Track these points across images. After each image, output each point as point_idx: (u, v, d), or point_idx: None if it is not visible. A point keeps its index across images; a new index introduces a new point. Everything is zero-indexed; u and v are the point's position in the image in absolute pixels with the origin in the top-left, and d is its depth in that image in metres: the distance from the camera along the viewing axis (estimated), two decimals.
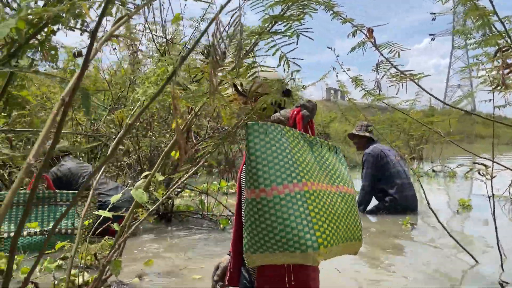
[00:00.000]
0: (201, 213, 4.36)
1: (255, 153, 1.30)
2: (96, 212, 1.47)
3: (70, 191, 3.45)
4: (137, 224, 1.43)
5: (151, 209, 1.47)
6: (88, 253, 2.78)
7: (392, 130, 8.83)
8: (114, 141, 1.09)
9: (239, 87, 1.62)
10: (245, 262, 1.40)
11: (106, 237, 3.06)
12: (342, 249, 1.43)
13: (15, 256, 2.78)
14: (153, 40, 3.66)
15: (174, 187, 1.54)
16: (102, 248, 2.96)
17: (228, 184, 6.54)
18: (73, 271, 2.51)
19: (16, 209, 3.21)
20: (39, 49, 0.96)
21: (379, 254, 3.29)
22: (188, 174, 1.57)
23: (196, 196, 4.79)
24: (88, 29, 1.13)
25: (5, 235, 3.08)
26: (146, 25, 3.67)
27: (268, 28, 1.52)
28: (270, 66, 1.76)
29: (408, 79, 2.44)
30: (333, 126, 14.79)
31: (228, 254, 1.93)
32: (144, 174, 1.53)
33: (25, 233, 3.15)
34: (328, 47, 2.84)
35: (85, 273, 2.42)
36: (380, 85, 2.41)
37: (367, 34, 2.27)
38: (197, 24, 3.53)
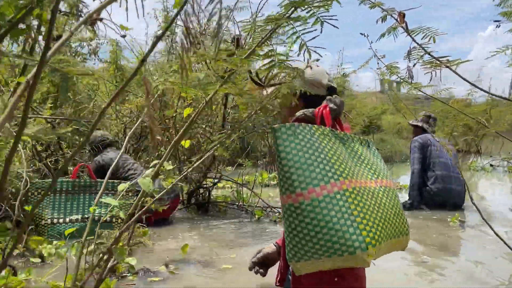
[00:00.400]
0: (237, 203, 4.39)
1: (286, 157, 1.24)
2: (103, 200, 1.49)
3: (110, 180, 3.58)
4: (140, 212, 1.45)
5: (156, 197, 1.48)
6: (118, 239, 2.88)
7: (448, 121, 8.35)
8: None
9: (254, 77, 1.59)
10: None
11: (138, 224, 3.16)
12: (390, 246, 1.36)
13: (56, 242, 2.95)
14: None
15: (181, 176, 1.54)
16: (135, 235, 3.06)
17: (270, 176, 6.53)
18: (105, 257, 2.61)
19: (59, 196, 3.38)
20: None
21: (423, 251, 3.13)
22: (194, 164, 1.56)
23: (236, 187, 4.81)
24: (82, 14, 1.14)
25: (49, 221, 3.26)
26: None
27: (288, 15, 1.46)
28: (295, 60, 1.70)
29: (443, 66, 2.28)
30: (385, 118, 14.31)
31: (274, 244, 1.94)
32: (152, 163, 1.54)
33: (67, 219, 3.32)
34: (362, 34, 2.71)
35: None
36: (412, 74, 2.28)
37: (398, 19, 2.15)
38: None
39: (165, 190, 1.66)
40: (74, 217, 3.35)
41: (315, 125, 1.35)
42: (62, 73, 0.85)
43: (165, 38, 4.57)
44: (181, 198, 4.39)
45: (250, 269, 1.92)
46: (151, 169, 1.48)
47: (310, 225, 1.19)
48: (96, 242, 2.96)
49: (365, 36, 2.88)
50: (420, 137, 4.93)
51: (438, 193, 4.67)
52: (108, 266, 1.41)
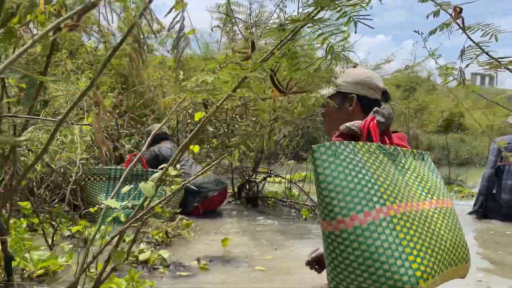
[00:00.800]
0: (285, 200, 4.32)
1: (325, 180, 1.12)
2: (104, 201, 1.51)
3: (159, 171, 3.70)
4: (142, 214, 1.44)
5: (157, 202, 1.47)
6: (162, 230, 2.97)
7: None
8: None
9: (277, 83, 1.51)
10: None
11: (180, 216, 3.23)
12: (446, 276, 1.22)
13: (104, 227, 3.12)
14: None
15: (192, 179, 1.52)
16: (178, 227, 3.13)
17: None
18: (142, 246, 2.70)
19: (113, 183, 3.57)
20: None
21: (481, 268, 2.84)
22: (206, 168, 1.52)
23: (289, 183, 4.74)
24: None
25: (102, 206, 3.46)
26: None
27: (314, 14, 1.36)
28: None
29: (504, 68, 2.01)
30: (470, 116, 13.22)
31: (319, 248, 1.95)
32: (160, 166, 1.53)
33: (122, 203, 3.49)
34: (415, 31, 2.48)
35: (149, 251, 2.58)
36: (464, 76, 2.03)
37: (453, 14, 1.93)
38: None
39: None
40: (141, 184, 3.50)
41: (359, 142, 1.20)
42: (29, 79, 0.85)
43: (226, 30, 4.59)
44: (231, 191, 4.43)
45: (307, 265, 2.00)
46: (158, 173, 1.47)
47: (353, 255, 1.08)
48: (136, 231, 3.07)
49: (419, 33, 2.65)
50: (501, 139, 4.48)
51: (504, 204, 4.23)
52: (108, 267, 1.43)
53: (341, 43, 1.38)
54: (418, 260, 1.07)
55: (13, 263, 2.03)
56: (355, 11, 1.37)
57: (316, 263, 1.96)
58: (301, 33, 1.41)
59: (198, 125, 1.36)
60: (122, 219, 2.69)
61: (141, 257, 2.47)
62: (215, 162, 1.81)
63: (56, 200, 3.35)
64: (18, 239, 2.43)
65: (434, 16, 2.01)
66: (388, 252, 1.06)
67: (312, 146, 1.15)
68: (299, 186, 4.32)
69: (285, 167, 5.61)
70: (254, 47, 1.39)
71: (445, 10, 1.99)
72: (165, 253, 2.51)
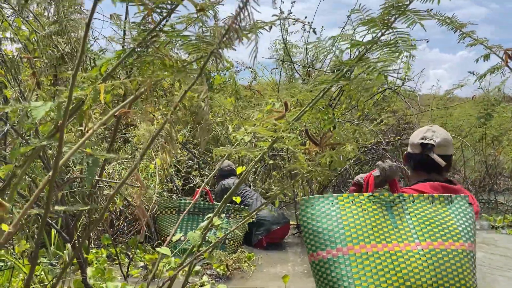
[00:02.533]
0: None
1: (303, 224, 1.49)
2: (158, 249, 1.71)
3: (227, 204, 3.92)
4: (197, 256, 1.61)
5: (199, 253, 1.63)
6: (222, 262, 3.13)
7: None
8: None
9: (311, 136, 1.64)
10: None
11: (240, 249, 3.38)
12: None
13: (173, 259, 3.37)
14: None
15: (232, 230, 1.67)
16: (238, 259, 3.28)
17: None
18: (204, 278, 2.89)
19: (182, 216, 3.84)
20: None
21: None
22: (254, 212, 1.67)
23: None
24: None
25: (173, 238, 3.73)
26: None
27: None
28: None
29: None
30: None
31: None
32: (206, 216, 1.70)
33: (182, 237, 3.74)
34: (470, 72, 2.46)
35: (209, 285, 2.75)
36: None
37: (504, 58, 1.93)
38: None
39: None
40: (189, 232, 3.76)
41: (344, 194, 1.52)
42: (93, 158, 1.05)
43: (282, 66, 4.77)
44: (295, 223, 4.51)
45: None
46: (206, 222, 1.64)
47: (321, 282, 1.42)
48: (202, 263, 3.27)
49: (473, 74, 2.63)
50: None
51: None
52: None
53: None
54: None
55: None
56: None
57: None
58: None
59: (242, 175, 1.51)
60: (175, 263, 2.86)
61: None
62: (278, 194, 1.93)
63: (132, 232, 3.68)
64: (98, 269, 2.74)
65: (484, 60, 2.04)
66: (340, 282, 1.36)
67: (300, 199, 1.52)
68: None
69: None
70: (287, 107, 1.52)
71: (495, 53, 2.01)
72: (223, 287, 2.66)
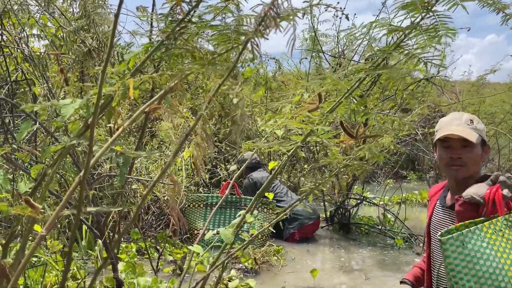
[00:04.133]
0: (379, 227, 4.19)
1: (455, 269, 1.28)
2: (189, 247, 1.67)
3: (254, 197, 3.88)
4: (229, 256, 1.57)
5: (230, 254, 1.59)
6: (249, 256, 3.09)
7: None
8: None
9: (347, 128, 1.56)
10: None
11: (268, 243, 3.33)
12: None
13: (207, 257, 3.35)
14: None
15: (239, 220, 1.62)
16: (266, 253, 3.24)
17: None
18: (232, 272, 2.86)
19: (210, 210, 3.83)
20: None
21: None
22: (287, 209, 1.62)
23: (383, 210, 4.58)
24: None
25: (200, 231, 3.73)
26: None
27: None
28: None
29: None
30: None
31: (403, 281, 1.88)
32: (239, 213, 1.66)
33: (215, 231, 3.73)
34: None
35: (238, 279, 2.72)
36: None
37: None
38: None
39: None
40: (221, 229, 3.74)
41: (485, 224, 1.31)
42: (124, 157, 1.03)
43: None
44: (324, 216, 4.44)
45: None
46: (238, 219, 1.60)
47: None
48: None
49: None
50: None
51: None
52: None
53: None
54: None
55: None
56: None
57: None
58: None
59: (273, 172, 1.46)
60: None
61: (230, 285, 2.62)
62: (312, 190, 1.86)
63: (160, 226, 3.69)
64: (129, 264, 2.75)
65: None
66: None
67: (441, 238, 1.29)
68: (393, 214, 4.16)
69: (382, 187, 5.44)
70: (321, 98, 1.45)
71: None
72: (252, 282, 2.63)
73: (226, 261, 1.54)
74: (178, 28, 1.15)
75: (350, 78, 1.35)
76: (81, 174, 0.88)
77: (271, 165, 1.77)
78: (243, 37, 1.03)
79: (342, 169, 1.40)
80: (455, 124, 1.57)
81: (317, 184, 1.41)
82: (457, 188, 1.58)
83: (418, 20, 1.44)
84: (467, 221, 1.34)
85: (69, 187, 2.66)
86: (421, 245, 3.72)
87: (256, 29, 0.79)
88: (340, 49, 3.66)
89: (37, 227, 1.14)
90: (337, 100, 1.37)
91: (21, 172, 1.90)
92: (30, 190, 1.13)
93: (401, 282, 1.84)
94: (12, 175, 1.56)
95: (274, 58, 6.10)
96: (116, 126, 1.02)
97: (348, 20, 3.52)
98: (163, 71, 1.28)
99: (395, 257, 3.57)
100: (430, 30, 1.43)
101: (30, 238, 1.56)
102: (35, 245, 0.81)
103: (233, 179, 2.20)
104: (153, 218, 3.83)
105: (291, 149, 1.39)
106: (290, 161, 5.60)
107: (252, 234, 1.59)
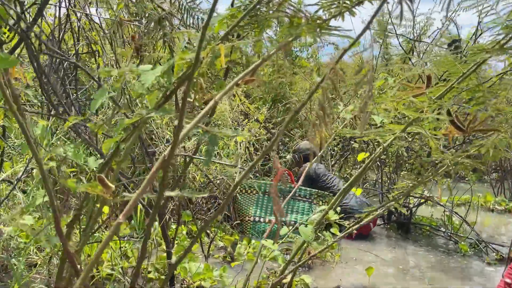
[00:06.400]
0: (444, 230, 3.88)
1: None
2: (263, 242, 1.52)
3: (309, 189, 3.70)
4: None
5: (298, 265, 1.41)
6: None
7: None
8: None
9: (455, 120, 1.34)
10: None
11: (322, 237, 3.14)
12: None
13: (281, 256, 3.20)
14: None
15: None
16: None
17: (496, 198, 5.53)
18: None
19: (263, 197, 3.68)
20: None
21: None
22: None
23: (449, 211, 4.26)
24: None
25: (252, 218, 3.60)
26: None
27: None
28: None
29: None
30: None
31: None
32: (318, 208, 1.48)
33: (267, 219, 3.59)
34: None
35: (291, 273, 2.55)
36: None
37: None
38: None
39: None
40: (273, 217, 3.59)
41: None
42: (210, 136, 0.88)
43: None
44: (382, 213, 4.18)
45: None
46: (317, 214, 1.43)
47: None
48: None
49: None
50: None
51: None
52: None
53: None
54: None
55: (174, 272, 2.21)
56: None
57: None
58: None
59: (363, 166, 1.27)
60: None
61: (284, 280, 2.47)
62: (411, 190, 1.66)
63: (212, 210, 3.59)
64: (180, 247, 2.66)
65: None
66: None
67: None
68: (460, 216, 3.84)
69: (436, 187, 5.08)
70: (430, 81, 1.24)
71: None
72: (307, 278, 2.47)
73: (297, 266, 1.37)
74: None
75: (468, 59, 1.12)
76: (166, 153, 0.73)
77: (360, 156, 1.58)
78: None
79: (452, 167, 1.19)
80: None
81: (416, 184, 1.21)
82: None
83: None
84: None
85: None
86: (493, 254, 3.38)
87: None
88: (416, 34, 3.36)
89: (105, 209, 1.02)
90: (449, 86, 1.15)
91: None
92: (99, 167, 1.01)
93: None
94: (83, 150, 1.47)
95: (333, 44, 5.82)
96: (203, 100, 0.87)
97: None
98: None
99: (460, 263, 3.28)
100: None
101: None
102: (111, 234, 0.67)
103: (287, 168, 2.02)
104: (204, 201, 3.74)
105: (388, 139, 1.19)
106: (342, 152, 5.35)
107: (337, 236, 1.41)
